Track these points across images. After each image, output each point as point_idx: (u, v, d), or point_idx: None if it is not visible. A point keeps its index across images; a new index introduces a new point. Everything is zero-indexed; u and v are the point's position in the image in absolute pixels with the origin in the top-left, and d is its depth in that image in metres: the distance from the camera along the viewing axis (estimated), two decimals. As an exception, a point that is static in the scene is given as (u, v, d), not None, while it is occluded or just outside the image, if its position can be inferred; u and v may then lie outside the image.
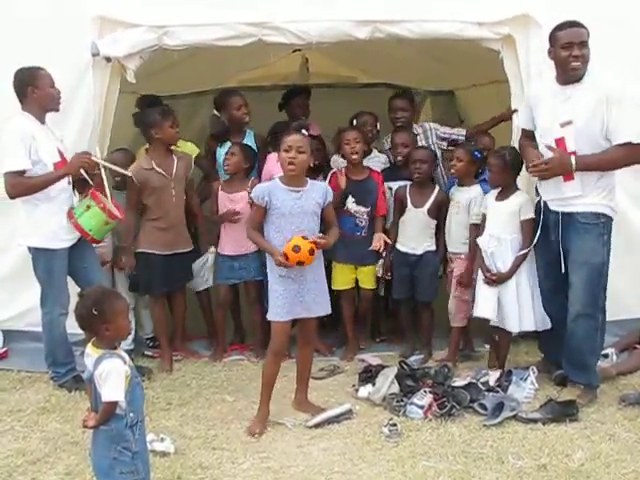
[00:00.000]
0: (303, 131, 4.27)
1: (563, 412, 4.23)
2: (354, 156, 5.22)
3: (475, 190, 5.07)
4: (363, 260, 5.33)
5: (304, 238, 4.08)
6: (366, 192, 5.27)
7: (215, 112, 5.78)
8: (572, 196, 4.32)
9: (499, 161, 4.71)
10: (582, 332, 4.37)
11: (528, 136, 4.60)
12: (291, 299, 4.19)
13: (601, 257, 4.32)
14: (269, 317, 4.29)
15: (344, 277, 5.37)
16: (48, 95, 4.63)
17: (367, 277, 5.38)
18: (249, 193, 5.02)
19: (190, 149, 5.76)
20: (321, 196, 4.24)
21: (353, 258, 5.33)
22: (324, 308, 4.36)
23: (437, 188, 5.27)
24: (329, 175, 5.39)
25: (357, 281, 5.42)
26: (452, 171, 5.16)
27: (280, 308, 4.20)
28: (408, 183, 5.28)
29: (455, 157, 5.10)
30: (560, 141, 4.33)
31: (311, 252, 4.07)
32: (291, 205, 4.13)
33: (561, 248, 4.41)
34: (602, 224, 4.31)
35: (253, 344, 5.52)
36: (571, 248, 4.38)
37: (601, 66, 4.42)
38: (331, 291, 5.76)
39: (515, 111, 5.05)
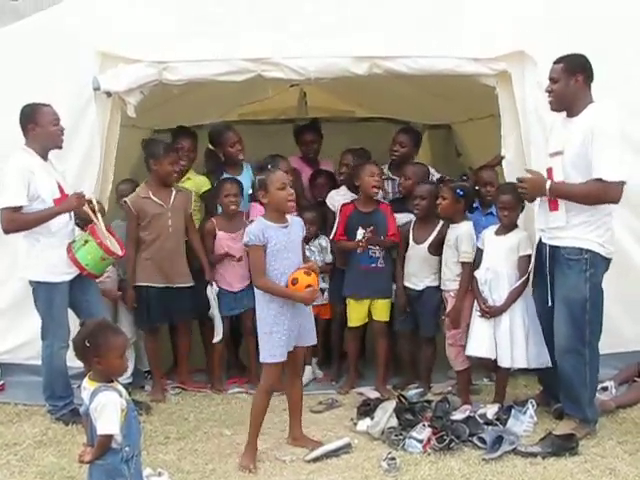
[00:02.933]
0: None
1: (563, 446, 4.19)
2: (375, 190, 5.26)
3: (464, 227, 4.97)
4: (379, 293, 5.32)
5: (305, 272, 4.18)
6: (375, 224, 5.26)
7: (210, 146, 5.80)
8: (556, 227, 4.34)
9: (513, 198, 4.65)
10: (569, 367, 4.34)
11: None
12: (288, 335, 4.18)
13: (582, 294, 4.26)
14: (265, 360, 4.22)
15: (359, 314, 5.36)
16: (49, 133, 4.64)
17: (381, 310, 5.34)
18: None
19: (201, 182, 5.73)
20: (301, 228, 4.36)
21: (370, 291, 5.31)
22: (312, 337, 4.42)
23: (440, 224, 5.17)
24: (339, 207, 5.39)
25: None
26: (438, 210, 5.04)
27: (281, 348, 4.17)
28: (412, 218, 5.32)
29: (440, 196, 5.01)
30: (549, 171, 4.40)
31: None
32: (285, 240, 4.18)
33: (549, 282, 4.42)
34: (585, 260, 4.24)
35: (250, 377, 5.49)
36: (556, 283, 4.39)
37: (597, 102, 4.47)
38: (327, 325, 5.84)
39: (503, 158, 5.08)
